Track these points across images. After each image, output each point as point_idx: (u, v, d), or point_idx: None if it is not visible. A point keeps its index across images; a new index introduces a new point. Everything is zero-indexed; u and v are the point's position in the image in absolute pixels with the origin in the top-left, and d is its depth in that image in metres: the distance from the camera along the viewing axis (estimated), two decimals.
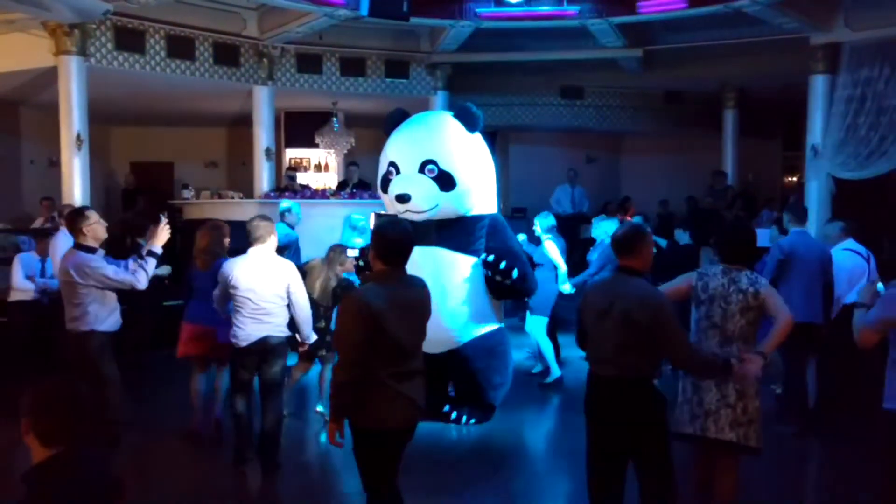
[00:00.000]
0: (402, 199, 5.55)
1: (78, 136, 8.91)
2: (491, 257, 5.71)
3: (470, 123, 5.92)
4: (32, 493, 2.18)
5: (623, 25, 10.14)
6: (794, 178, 13.26)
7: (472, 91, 11.96)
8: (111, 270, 4.62)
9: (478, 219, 5.92)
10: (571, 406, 7.17)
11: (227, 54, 10.40)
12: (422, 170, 5.64)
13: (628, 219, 11.29)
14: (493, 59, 11.41)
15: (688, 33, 10.47)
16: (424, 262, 5.43)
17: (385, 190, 5.81)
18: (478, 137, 6.05)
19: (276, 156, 11.53)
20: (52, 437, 2.23)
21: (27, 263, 7.50)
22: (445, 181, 5.63)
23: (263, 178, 11.05)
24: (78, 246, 4.68)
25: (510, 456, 5.55)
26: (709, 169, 12.54)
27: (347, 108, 12.19)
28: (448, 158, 5.71)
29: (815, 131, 9.68)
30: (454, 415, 5.96)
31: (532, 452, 5.94)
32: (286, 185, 11.05)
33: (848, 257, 6.05)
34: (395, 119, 6.10)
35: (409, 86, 11.45)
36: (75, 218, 4.76)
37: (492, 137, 14.62)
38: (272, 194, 10.52)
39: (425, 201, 5.60)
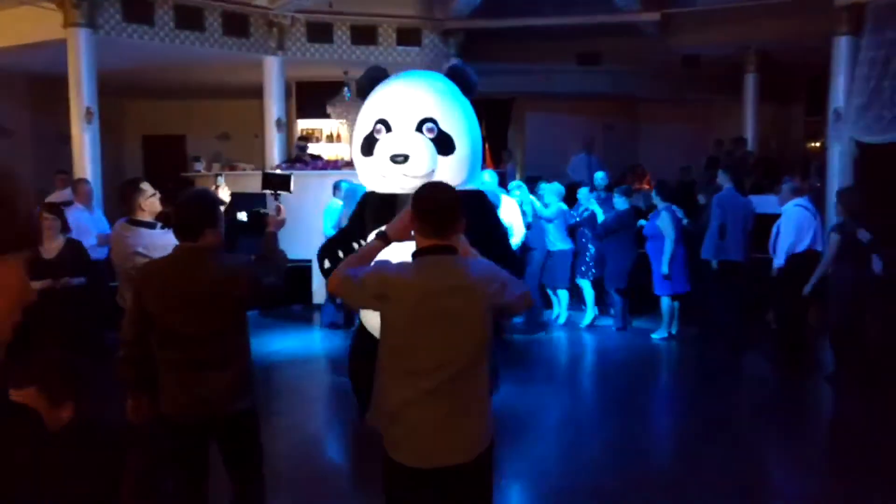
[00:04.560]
0: (399, 159, 4.80)
1: (88, 110, 8.87)
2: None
3: (466, 86, 5.26)
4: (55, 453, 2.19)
5: None
6: (817, 144, 12.98)
7: (486, 58, 11.75)
8: None
9: (464, 193, 5.37)
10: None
11: (236, 24, 10.28)
12: (419, 128, 4.89)
13: (645, 187, 11.15)
14: (507, 24, 11.20)
15: None
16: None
17: (369, 151, 4.98)
18: (469, 104, 5.40)
19: (287, 127, 11.43)
20: (61, 399, 2.28)
21: None
22: (445, 144, 4.97)
23: (275, 149, 10.98)
24: (134, 222, 4.22)
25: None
26: (729, 135, 12.30)
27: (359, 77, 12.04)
28: (448, 119, 5.04)
29: (838, 95, 9.42)
30: None
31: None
32: (297, 155, 10.97)
33: (798, 212, 6.88)
34: (374, 76, 5.23)
35: (422, 54, 11.27)
36: (131, 192, 4.27)
37: (508, 105, 14.56)
38: (283, 165, 10.44)
39: (424, 163, 4.87)
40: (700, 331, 7.94)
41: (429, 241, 2.56)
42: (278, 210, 3.63)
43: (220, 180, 4.53)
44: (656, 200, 7.90)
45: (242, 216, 3.97)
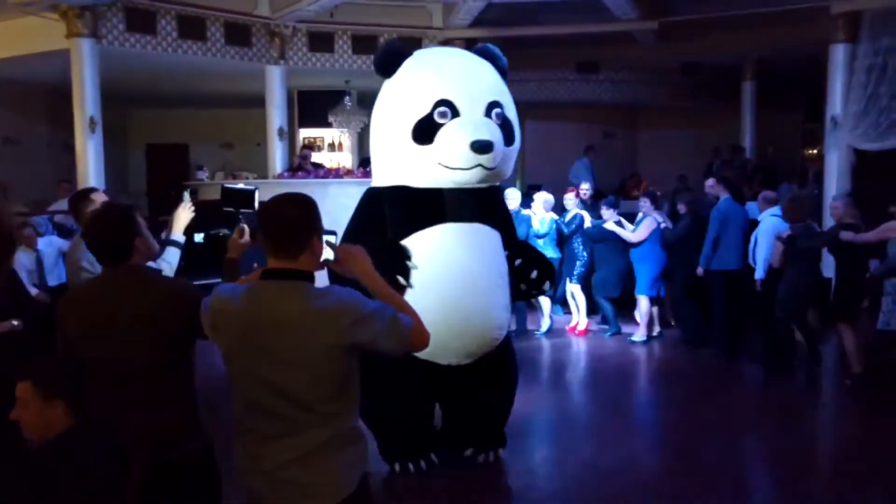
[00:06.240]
0: (484, 147, 4.04)
1: (91, 119, 8.96)
2: (518, 262, 4.52)
3: (501, 69, 4.64)
4: (61, 460, 2.19)
5: None
6: (815, 150, 13.06)
7: None
8: None
9: (497, 188, 4.72)
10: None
11: (238, 34, 10.39)
12: (487, 114, 4.22)
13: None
14: (506, 34, 11.28)
15: (704, 4, 10.28)
16: (472, 242, 4.32)
17: (426, 139, 4.14)
18: None
19: (289, 135, 11.53)
20: (79, 404, 2.28)
21: (25, 265, 7.21)
22: (508, 133, 4.29)
23: (277, 158, 11.07)
24: None
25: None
26: (728, 142, 12.38)
27: (360, 86, 12.13)
28: (509, 104, 4.39)
29: (835, 102, 9.49)
30: (481, 458, 4.68)
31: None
32: (299, 164, 11.06)
33: (775, 222, 6.94)
34: (399, 50, 4.49)
35: None
36: (78, 203, 3.93)
37: None
38: (285, 174, 10.53)
39: (499, 155, 4.18)
40: (685, 334, 8.02)
41: (275, 262, 2.21)
42: (241, 232, 2.96)
43: (186, 196, 3.89)
44: (645, 207, 8.04)
45: (199, 238, 3.50)
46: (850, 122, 9.34)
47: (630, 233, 7.86)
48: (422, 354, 3.96)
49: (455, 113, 4.13)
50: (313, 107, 12.63)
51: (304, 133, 13.17)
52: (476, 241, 4.34)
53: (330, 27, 10.96)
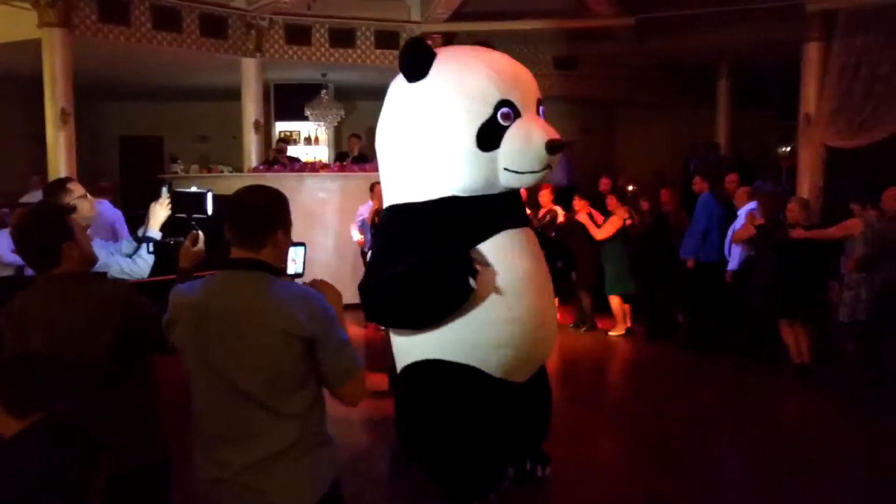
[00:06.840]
0: (559, 147, 3.79)
1: (63, 111, 8.80)
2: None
3: None
4: (14, 463, 2.13)
5: None
6: (789, 148, 13.20)
7: None
8: (120, 264, 3.46)
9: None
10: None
11: (214, 26, 10.26)
12: (537, 111, 4.00)
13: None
14: (484, 28, 11.26)
15: (681, 0, 10.33)
16: (529, 247, 4.04)
17: (492, 143, 3.77)
18: None
19: (265, 129, 11.43)
20: (21, 406, 2.18)
21: (11, 249, 7.36)
22: None
23: (252, 151, 10.97)
24: None
25: None
26: (703, 139, 12.46)
27: (337, 79, 12.08)
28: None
29: (809, 100, 9.59)
30: (539, 470, 4.36)
31: None
32: (274, 157, 10.97)
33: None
34: (426, 51, 3.92)
35: None
36: (55, 193, 3.78)
37: None
38: (261, 167, 10.44)
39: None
40: (657, 328, 8.09)
41: (238, 252, 2.17)
42: (194, 239, 2.72)
43: (164, 191, 3.54)
44: (612, 205, 8.14)
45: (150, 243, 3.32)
46: (824, 120, 9.44)
47: (597, 228, 7.96)
48: (498, 373, 3.86)
49: (517, 113, 3.82)
50: (289, 100, 12.54)
51: (280, 126, 13.07)
52: (532, 246, 4.07)
53: (307, 20, 10.87)
